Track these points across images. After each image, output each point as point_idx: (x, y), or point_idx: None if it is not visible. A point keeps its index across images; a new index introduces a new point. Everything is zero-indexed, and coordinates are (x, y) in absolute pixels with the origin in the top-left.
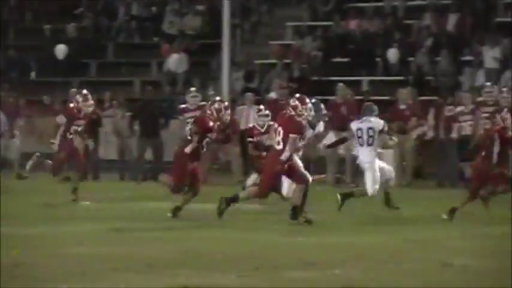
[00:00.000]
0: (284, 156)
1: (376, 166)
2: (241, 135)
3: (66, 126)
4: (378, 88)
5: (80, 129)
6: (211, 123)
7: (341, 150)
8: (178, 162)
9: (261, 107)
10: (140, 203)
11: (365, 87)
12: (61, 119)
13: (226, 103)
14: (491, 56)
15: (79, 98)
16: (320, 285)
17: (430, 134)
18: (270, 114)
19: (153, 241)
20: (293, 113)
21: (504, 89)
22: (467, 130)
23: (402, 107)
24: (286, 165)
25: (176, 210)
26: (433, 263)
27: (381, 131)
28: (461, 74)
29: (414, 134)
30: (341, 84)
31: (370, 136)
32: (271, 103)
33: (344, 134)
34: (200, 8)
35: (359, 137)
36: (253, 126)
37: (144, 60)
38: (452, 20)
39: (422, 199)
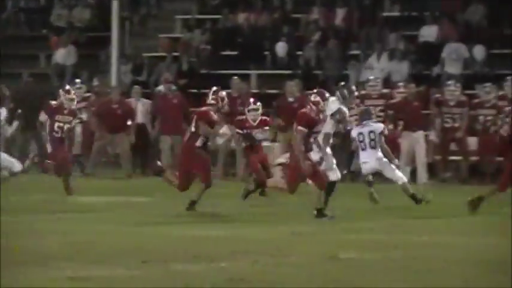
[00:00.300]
0: (297, 150)
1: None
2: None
3: (51, 125)
4: (267, 82)
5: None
6: (215, 116)
7: (233, 143)
8: (188, 158)
9: (251, 100)
10: (29, 196)
11: (253, 80)
12: (43, 116)
13: (223, 92)
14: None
15: (61, 93)
16: (207, 278)
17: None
18: (260, 107)
19: (39, 233)
20: (314, 108)
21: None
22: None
23: (290, 99)
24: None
25: (192, 205)
26: (319, 256)
27: (381, 133)
28: (347, 68)
29: None
30: (236, 77)
31: (372, 139)
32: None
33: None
34: (89, 0)
35: (361, 141)
36: (246, 118)
37: (33, 52)
38: (340, 14)
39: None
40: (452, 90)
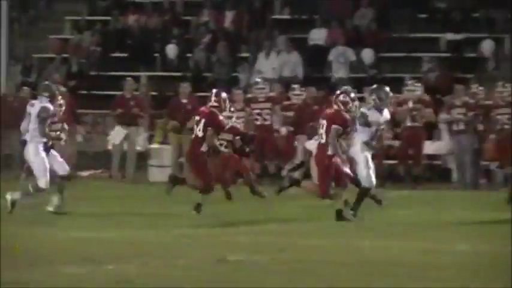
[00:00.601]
0: (330, 150)
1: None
2: None
3: None
4: (157, 83)
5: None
6: (221, 117)
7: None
8: (199, 162)
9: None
10: None
11: (143, 82)
12: None
13: (224, 94)
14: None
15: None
16: (95, 280)
17: None
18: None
19: None
20: (342, 108)
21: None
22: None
23: (184, 101)
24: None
25: (199, 207)
26: (208, 258)
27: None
28: (237, 70)
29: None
30: (129, 78)
31: None
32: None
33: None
34: None
35: None
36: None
37: None
38: (229, 17)
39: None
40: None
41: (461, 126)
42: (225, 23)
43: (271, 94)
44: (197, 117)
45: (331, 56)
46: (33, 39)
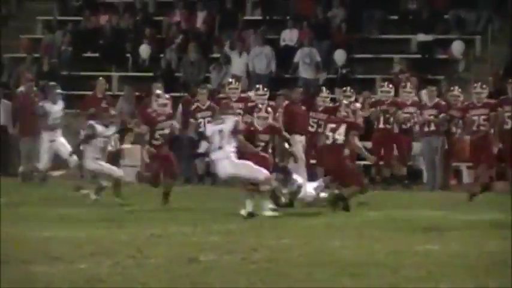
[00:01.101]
0: (346, 151)
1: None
2: None
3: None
4: (128, 84)
5: None
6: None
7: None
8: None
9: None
10: None
11: (115, 82)
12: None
13: None
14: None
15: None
16: (65, 280)
17: (179, 131)
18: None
19: None
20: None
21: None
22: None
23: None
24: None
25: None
26: (180, 257)
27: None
28: (209, 70)
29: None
30: (101, 78)
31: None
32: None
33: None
34: None
35: None
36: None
37: None
38: (201, 17)
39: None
40: (325, 97)
41: (432, 127)
42: (197, 24)
43: (243, 95)
44: (332, 125)
45: (297, 57)
46: (4, 39)
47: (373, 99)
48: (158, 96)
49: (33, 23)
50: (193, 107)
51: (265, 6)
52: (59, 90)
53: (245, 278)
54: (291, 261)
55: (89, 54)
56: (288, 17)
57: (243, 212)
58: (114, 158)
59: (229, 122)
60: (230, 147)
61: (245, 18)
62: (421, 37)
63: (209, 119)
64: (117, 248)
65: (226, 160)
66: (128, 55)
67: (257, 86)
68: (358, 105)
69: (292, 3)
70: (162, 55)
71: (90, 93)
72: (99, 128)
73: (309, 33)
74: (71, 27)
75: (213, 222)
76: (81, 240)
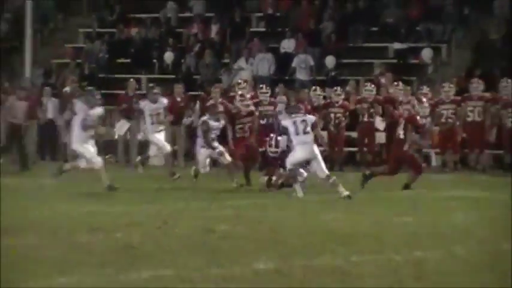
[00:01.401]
0: (406, 146)
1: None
2: None
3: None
4: (155, 84)
5: None
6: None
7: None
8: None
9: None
10: None
11: (144, 83)
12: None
13: None
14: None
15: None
16: (104, 246)
17: (197, 123)
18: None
19: None
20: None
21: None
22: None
23: (178, 98)
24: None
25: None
26: (199, 228)
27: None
28: (221, 73)
29: (185, 122)
30: (132, 80)
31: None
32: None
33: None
34: (6, 15)
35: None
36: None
37: None
38: (214, 29)
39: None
40: (318, 94)
41: None
42: (211, 34)
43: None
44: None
45: (294, 63)
46: (53, 48)
47: (358, 97)
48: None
49: (76, 35)
50: (208, 103)
51: (267, 20)
52: (97, 96)
53: (252, 244)
54: (290, 231)
55: (122, 60)
56: (286, 29)
57: (300, 194)
58: (144, 146)
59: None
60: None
61: (251, 30)
62: (397, 45)
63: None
64: (147, 220)
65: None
66: (155, 61)
67: (261, 85)
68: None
69: (290, 17)
70: (182, 60)
71: (122, 92)
72: (212, 122)
73: (304, 42)
74: (107, 37)
75: (225, 199)
76: (117, 213)
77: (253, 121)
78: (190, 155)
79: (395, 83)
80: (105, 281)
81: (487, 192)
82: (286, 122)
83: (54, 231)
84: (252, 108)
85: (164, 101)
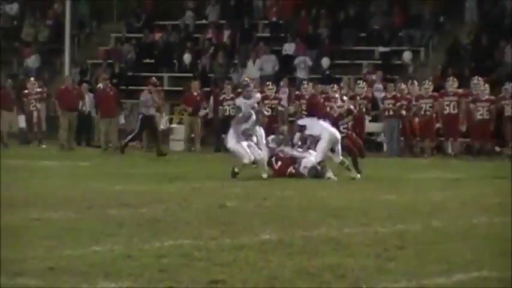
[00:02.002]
0: None
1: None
2: None
3: None
4: (175, 82)
5: None
6: None
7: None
8: None
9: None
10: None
11: (166, 80)
12: None
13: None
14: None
15: None
16: (132, 220)
17: (211, 115)
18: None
19: (12, 186)
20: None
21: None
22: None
23: (195, 93)
24: None
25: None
26: (213, 204)
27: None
28: (231, 72)
29: (201, 114)
30: (153, 78)
31: None
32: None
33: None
34: (48, 22)
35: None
36: None
37: (8, 59)
38: (226, 34)
39: (207, 160)
40: (306, 88)
41: (391, 112)
42: (224, 39)
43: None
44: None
45: (295, 63)
46: (88, 50)
47: (352, 93)
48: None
49: (108, 38)
50: (221, 97)
51: (272, 26)
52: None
53: (259, 218)
54: (292, 207)
55: (147, 61)
56: (288, 34)
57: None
58: (166, 134)
59: None
60: None
61: (258, 35)
62: (382, 48)
63: (233, 105)
64: (168, 197)
65: None
66: (175, 61)
67: (267, 82)
68: (345, 97)
69: (291, 24)
70: (199, 61)
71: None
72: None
73: (303, 46)
74: (135, 41)
75: (236, 179)
76: (143, 191)
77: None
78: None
79: (359, 82)
80: (132, 249)
81: (459, 174)
82: (303, 120)
83: (89, 206)
84: (350, 107)
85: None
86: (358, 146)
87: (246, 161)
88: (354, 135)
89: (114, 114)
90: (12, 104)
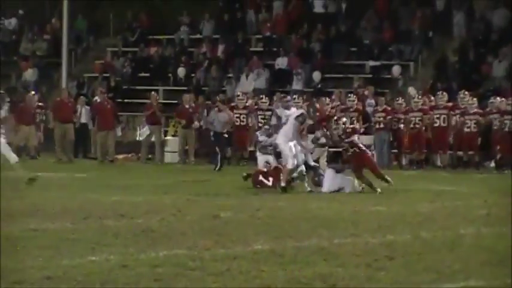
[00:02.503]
0: None
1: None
2: None
3: None
4: (170, 95)
5: None
6: None
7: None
8: None
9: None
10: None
11: (161, 94)
12: None
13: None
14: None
15: None
16: (127, 230)
17: (205, 126)
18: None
19: (12, 198)
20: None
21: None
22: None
23: (187, 106)
24: None
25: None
26: (207, 215)
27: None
28: (225, 85)
29: (194, 126)
30: (154, 93)
31: None
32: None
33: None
34: (46, 36)
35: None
36: None
37: (7, 72)
38: (220, 49)
39: (200, 171)
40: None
41: (382, 125)
42: (218, 53)
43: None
44: None
45: (292, 76)
46: (85, 63)
47: (343, 106)
48: None
49: (104, 53)
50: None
51: (265, 41)
52: None
53: (252, 229)
54: (284, 218)
55: (142, 74)
56: (280, 49)
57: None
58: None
59: None
60: None
61: (251, 49)
62: (372, 63)
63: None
64: (163, 208)
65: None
66: (170, 75)
67: (260, 96)
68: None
69: (284, 39)
70: (193, 75)
71: (144, 101)
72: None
73: (298, 59)
74: (131, 55)
75: (229, 191)
76: (138, 202)
77: None
78: (200, 154)
79: (350, 95)
80: (128, 259)
81: (447, 186)
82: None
83: (85, 217)
84: (355, 126)
85: (294, 108)
86: (369, 164)
87: (290, 166)
88: (365, 151)
89: (111, 127)
90: (30, 118)
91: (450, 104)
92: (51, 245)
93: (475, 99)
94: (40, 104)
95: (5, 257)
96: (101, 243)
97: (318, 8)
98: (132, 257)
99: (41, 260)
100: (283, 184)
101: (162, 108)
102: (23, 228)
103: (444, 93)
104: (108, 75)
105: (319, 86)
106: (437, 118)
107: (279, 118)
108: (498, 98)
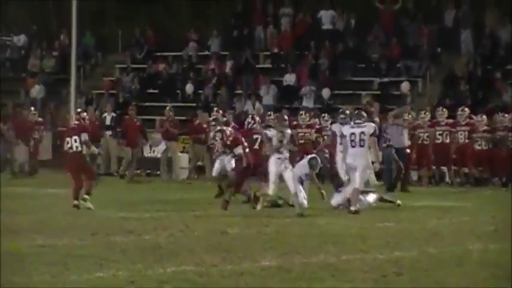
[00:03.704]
0: None
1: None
2: None
3: None
4: (178, 111)
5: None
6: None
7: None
8: None
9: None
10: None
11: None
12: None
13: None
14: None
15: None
16: (136, 246)
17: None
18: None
19: (17, 213)
20: None
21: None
22: None
23: (204, 125)
24: None
25: None
26: (214, 231)
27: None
28: (234, 102)
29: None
30: (168, 108)
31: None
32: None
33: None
34: (55, 53)
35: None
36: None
37: (15, 88)
38: (228, 65)
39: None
40: (303, 118)
41: (389, 142)
42: (226, 69)
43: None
44: None
45: (302, 92)
46: (93, 80)
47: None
48: None
49: (112, 69)
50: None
51: (273, 57)
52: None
53: (260, 245)
54: (291, 233)
55: (151, 90)
56: (288, 65)
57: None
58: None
59: None
60: None
61: (258, 66)
62: (380, 79)
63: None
64: (171, 224)
65: None
66: (178, 91)
67: (268, 112)
68: None
69: (291, 56)
70: (201, 91)
71: (153, 117)
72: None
73: (307, 76)
74: (139, 72)
75: (236, 207)
76: (146, 218)
77: None
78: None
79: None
80: (136, 275)
81: (454, 202)
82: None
83: (93, 233)
84: None
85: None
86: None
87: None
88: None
89: (137, 145)
90: (27, 134)
91: (451, 120)
92: (59, 261)
93: (484, 116)
94: (40, 119)
95: (12, 273)
96: (109, 259)
97: (326, 25)
98: (139, 273)
99: (49, 276)
100: (353, 208)
101: (178, 123)
102: (31, 245)
103: (444, 109)
104: (115, 91)
105: (329, 102)
106: (440, 134)
107: (334, 135)
108: (507, 115)
